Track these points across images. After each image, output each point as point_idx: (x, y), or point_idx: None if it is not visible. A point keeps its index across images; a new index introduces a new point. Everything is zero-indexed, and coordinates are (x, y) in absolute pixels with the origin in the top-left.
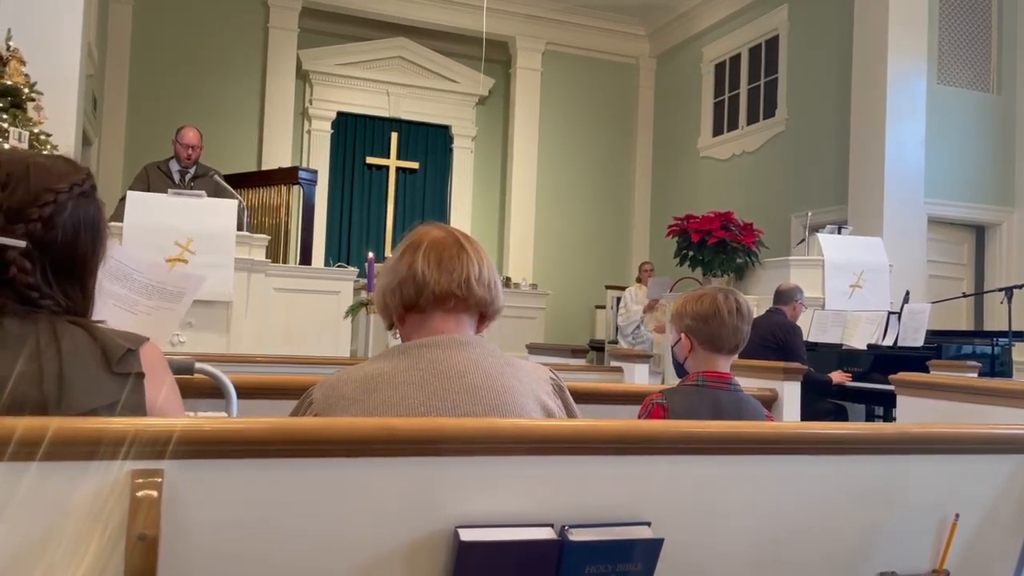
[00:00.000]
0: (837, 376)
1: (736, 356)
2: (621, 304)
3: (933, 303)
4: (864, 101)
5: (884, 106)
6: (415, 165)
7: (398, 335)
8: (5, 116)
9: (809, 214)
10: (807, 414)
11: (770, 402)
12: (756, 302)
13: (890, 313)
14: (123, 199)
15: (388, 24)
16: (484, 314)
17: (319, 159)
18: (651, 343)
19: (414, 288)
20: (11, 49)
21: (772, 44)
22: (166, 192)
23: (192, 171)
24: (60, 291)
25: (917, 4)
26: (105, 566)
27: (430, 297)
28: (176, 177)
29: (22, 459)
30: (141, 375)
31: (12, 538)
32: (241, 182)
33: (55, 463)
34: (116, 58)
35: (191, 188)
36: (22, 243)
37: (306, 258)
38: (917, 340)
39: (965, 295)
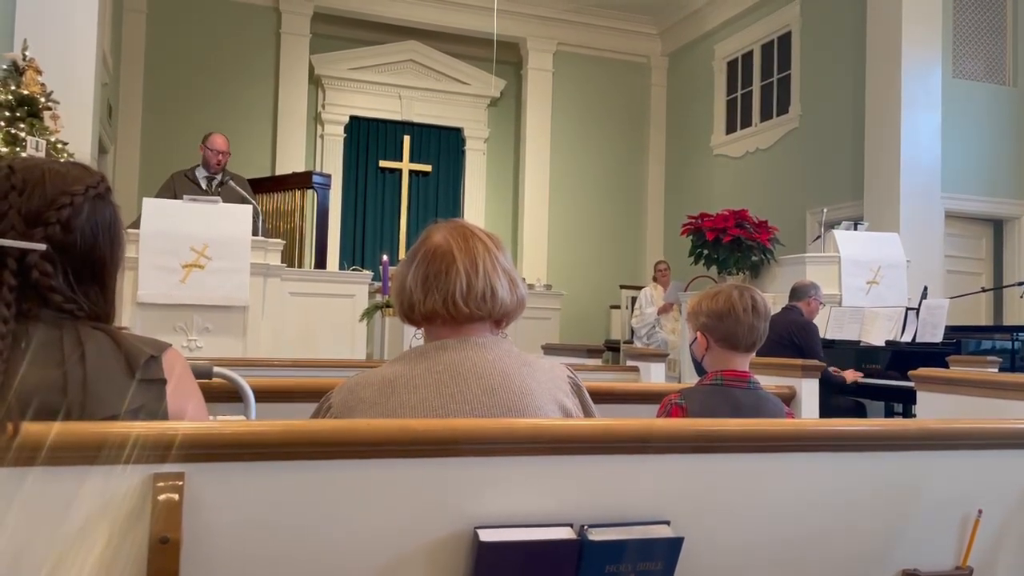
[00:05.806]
0: (850, 375)
1: (754, 354)
2: (636, 306)
3: (951, 298)
4: (879, 96)
5: (899, 100)
6: (428, 168)
7: (419, 335)
8: (22, 125)
9: (824, 210)
10: (825, 412)
11: (788, 399)
12: (773, 299)
13: (908, 309)
14: None
15: (399, 28)
16: (496, 320)
17: (332, 163)
18: (666, 344)
19: (408, 304)
20: (27, 59)
21: (785, 40)
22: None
23: (219, 177)
24: (82, 294)
25: None
26: (128, 569)
27: (418, 317)
28: (203, 183)
29: (50, 464)
30: (163, 381)
31: (38, 541)
32: (256, 187)
33: (79, 467)
34: (131, 66)
35: (218, 193)
36: (42, 246)
37: (321, 262)
38: (936, 336)
39: (984, 290)
